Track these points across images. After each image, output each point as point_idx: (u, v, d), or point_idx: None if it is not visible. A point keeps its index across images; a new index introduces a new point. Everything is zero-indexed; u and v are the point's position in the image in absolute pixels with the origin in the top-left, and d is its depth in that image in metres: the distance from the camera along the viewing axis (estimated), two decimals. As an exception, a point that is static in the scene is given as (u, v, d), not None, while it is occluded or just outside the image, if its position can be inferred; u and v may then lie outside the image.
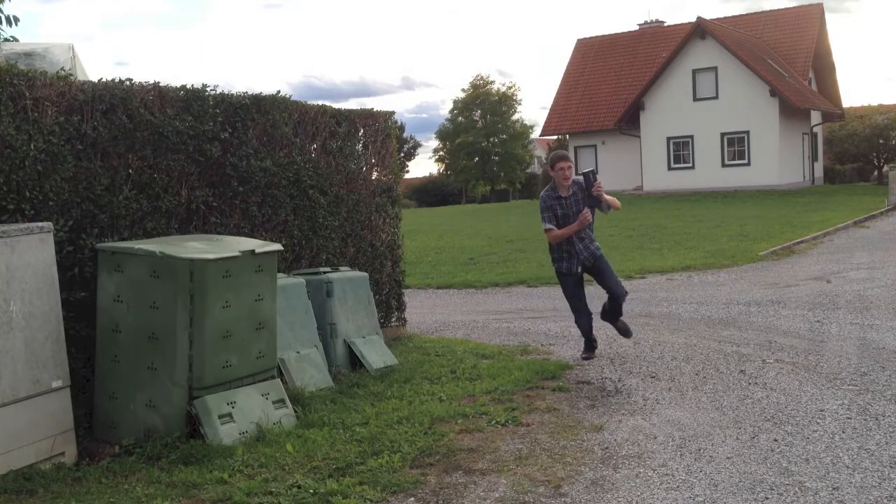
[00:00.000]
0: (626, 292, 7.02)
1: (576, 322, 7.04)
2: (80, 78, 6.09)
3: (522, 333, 8.43)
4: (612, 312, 6.99)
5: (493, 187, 53.63)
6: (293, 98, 6.97)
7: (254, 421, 5.05)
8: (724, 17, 39.26)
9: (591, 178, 6.70)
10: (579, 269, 6.85)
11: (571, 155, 38.22)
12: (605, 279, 6.86)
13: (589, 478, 4.16)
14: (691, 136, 32.29)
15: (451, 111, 54.75)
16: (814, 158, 36.37)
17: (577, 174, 6.89)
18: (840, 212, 21.58)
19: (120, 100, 5.44)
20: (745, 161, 31.58)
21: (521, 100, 78.03)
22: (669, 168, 32.55)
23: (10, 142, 4.76)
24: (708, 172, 31.09)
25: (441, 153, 57.23)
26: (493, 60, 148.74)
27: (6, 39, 8.28)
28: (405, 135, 61.96)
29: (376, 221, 8.10)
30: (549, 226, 6.81)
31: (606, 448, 4.60)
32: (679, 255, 14.30)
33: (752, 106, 30.97)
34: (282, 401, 5.33)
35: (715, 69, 31.52)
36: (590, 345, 7.09)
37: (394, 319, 8.37)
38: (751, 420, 4.98)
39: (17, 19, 8.37)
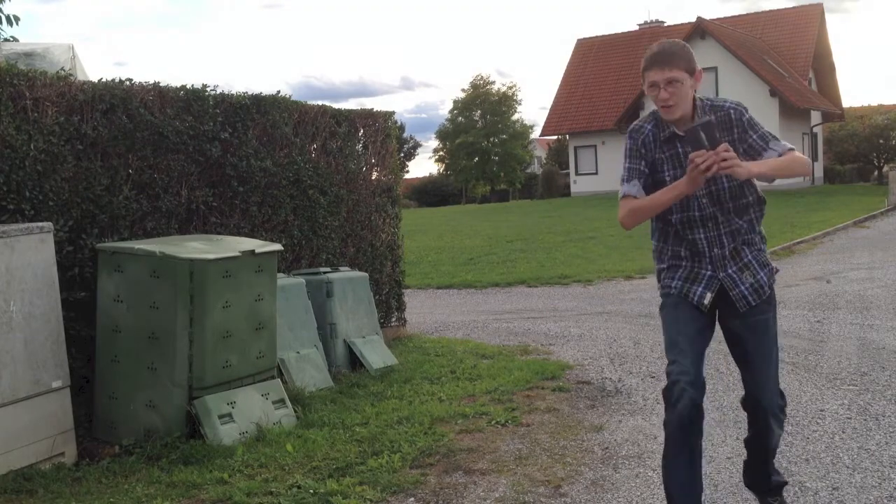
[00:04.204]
0: (784, 406, 3.61)
1: (665, 390, 3.23)
2: (80, 78, 6.09)
3: (522, 333, 8.43)
4: (756, 458, 3.61)
5: (493, 187, 53.62)
6: (293, 98, 6.98)
7: (254, 421, 5.05)
8: (724, 17, 39.32)
9: (705, 134, 3.02)
10: (707, 300, 3.28)
11: (571, 154, 38.70)
12: (752, 360, 3.39)
13: (589, 478, 4.16)
14: (691, 136, 32.26)
15: (451, 111, 54.80)
16: (814, 158, 36.37)
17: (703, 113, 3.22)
18: (840, 212, 21.58)
19: (120, 100, 5.44)
20: (745, 161, 31.55)
21: (521, 100, 78.11)
22: (669, 168, 32.51)
23: (10, 142, 4.76)
24: (708, 172, 31.02)
25: (441, 153, 57.26)
26: (493, 60, 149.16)
27: (6, 39, 8.29)
28: (405, 135, 61.99)
29: (376, 221, 8.10)
30: (627, 189, 3.28)
31: (606, 448, 4.60)
32: (679, 255, 14.29)
33: (752, 106, 30.39)
34: (282, 401, 5.33)
35: (715, 69, 31.51)
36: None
37: (394, 319, 8.37)
38: (751, 420, 4.97)
39: (17, 19, 8.39)
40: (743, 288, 3.28)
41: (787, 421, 3.45)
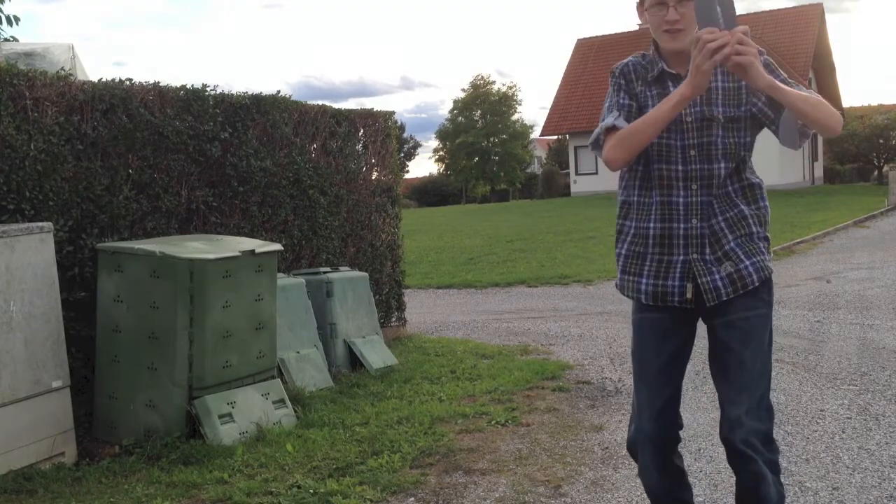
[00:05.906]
0: (771, 443, 2.67)
1: (628, 446, 2.94)
2: (80, 78, 6.09)
3: (522, 333, 8.43)
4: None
5: (493, 187, 53.62)
6: (293, 98, 6.98)
7: (254, 421, 5.05)
8: (724, 17, 39.25)
9: (720, 7, 2.36)
10: (689, 293, 2.66)
11: (571, 154, 38.71)
12: (728, 367, 2.69)
13: (589, 478, 4.16)
14: (691, 136, 32.26)
15: (451, 111, 54.80)
16: (814, 158, 36.40)
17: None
18: (840, 212, 21.58)
19: (120, 100, 5.44)
20: (745, 161, 31.56)
21: (521, 100, 78.05)
22: (669, 168, 32.53)
23: (10, 142, 4.76)
24: (708, 172, 30.99)
25: (441, 153, 57.27)
26: (493, 60, 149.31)
27: (6, 39, 8.29)
28: (405, 135, 62.01)
29: (376, 221, 8.10)
30: (608, 121, 2.61)
31: (606, 448, 4.60)
32: (679, 255, 14.30)
33: (752, 106, 30.91)
34: (282, 401, 5.33)
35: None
36: None
37: (394, 319, 8.37)
38: (751, 420, 4.97)
39: (17, 19, 8.40)
40: (717, 276, 2.60)
41: (783, 469, 2.85)
